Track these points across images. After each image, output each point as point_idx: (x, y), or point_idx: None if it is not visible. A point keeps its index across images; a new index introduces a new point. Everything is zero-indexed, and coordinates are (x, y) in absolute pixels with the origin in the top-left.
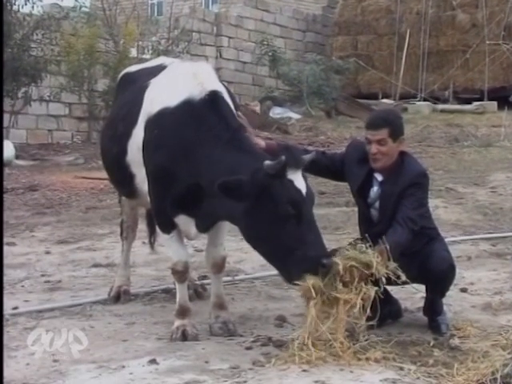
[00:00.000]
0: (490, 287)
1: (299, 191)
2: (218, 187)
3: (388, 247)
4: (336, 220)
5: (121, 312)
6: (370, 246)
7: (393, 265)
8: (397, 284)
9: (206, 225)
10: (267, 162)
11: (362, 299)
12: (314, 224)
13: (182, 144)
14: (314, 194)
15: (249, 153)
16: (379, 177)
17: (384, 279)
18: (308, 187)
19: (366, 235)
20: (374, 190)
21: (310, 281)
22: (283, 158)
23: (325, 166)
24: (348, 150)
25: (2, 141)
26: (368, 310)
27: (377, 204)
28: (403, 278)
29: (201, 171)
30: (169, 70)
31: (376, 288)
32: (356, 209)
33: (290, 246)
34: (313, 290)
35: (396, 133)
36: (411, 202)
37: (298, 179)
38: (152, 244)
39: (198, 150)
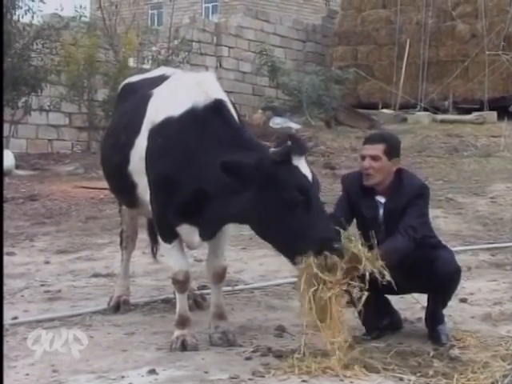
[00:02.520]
0: (489, 297)
1: (305, 177)
2: (220, 165)
3: (382, 251)
4: None
5: (120, 322)
6: (363, 244)
7: (380, 263)
8: (391, 292)
9: (210, 232)
10: (273, 149)
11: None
12: (322, 209)
13: (186, 151)
14: (318, 181)
15: (254, 148)
16: (382, 199)
17: (368, 277)
18: (313, 173)
19: (372, 232)
20: (380, 212)
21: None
22: (289, 143)
23: (351, 218)
24: (346, 186)
25: (1, 150)
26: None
27: (383, 226)
28: (388, 277)
29: (205, 175)
30: (172, 80)
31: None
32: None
33: (301, 231)
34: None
35: (391, 151)
36: (413, 211)
37: (303, 165)
38: (154, 254)
39: (202, 155)
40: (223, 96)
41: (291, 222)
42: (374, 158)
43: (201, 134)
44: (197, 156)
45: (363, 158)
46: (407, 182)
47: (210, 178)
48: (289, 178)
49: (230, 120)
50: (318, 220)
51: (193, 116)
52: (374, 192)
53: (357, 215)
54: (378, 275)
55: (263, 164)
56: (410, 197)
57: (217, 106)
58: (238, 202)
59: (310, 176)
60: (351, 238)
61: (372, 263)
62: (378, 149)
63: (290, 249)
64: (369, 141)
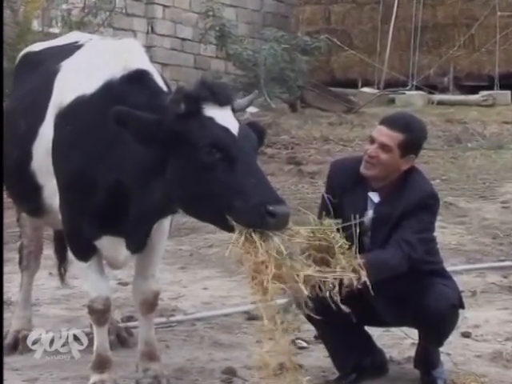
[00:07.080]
0: (500, 331)
1: (224, 129)
2: (112, 113)
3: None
4: None
5: (19, 365)
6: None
7: (358, 261)
8: (374, 324)
9: (140, 239)
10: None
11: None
12: (254, 167)
13: (101, 140)
14: (255, 138)
15: None
16: (375, 197)
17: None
18: (245, 128)
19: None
20: (369, 214)
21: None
22: (181, 87)
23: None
24: (332, 176)
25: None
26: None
27: (369, 233)
28: (363, 278)
29: (124, 165)
30: (85, 50)
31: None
32: None
33: (227, 197)
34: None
35: (409, 147)
36: (412, 223)
37: (220, 116)
38: (62, 276)
39: (120, 141)
40: (148, 66)
41: (213, 189)
42: (385, 147)
43: None
44: (114, 142)
45: (372, 141)
46: (413, 185)
47: (128, 165)
48: (199, 133)
49: (155, 95)
50: (246, 181)
51: (108, 93)
52: (367, 186)
53: (339, 214)
54: (351, 275)
55: (166, 119)
56: (409, 205)
57: (138, 78)
58: (160, 181)
59: (233, 128)
60: (325, 223)
61: (347, 258)
62: (394, 138)
63: (220, 221)
64: (388, 123)
